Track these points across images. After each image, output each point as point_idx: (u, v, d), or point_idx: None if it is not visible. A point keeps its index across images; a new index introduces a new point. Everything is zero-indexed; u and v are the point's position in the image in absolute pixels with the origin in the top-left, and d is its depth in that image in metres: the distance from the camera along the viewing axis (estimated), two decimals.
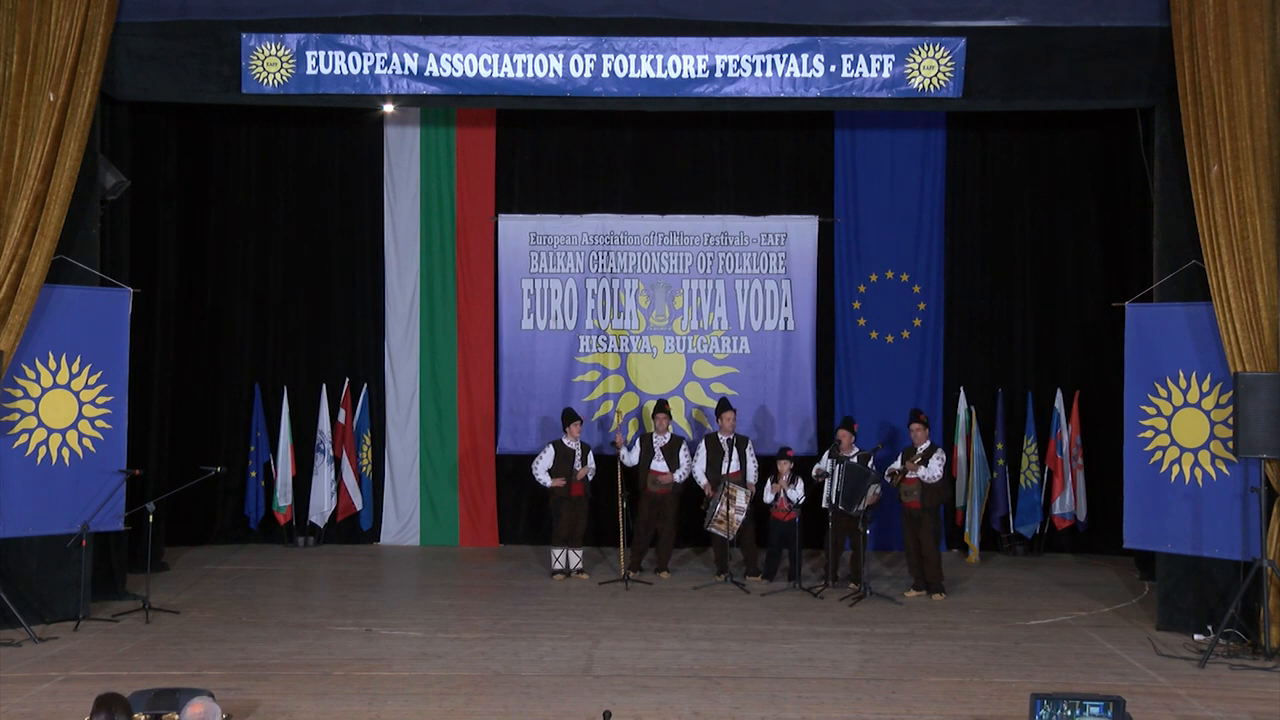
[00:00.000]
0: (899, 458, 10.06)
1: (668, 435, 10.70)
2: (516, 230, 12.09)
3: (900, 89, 9.07)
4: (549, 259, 12.01)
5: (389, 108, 11.03)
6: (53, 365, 8.69)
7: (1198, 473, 8.51)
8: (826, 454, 10.34)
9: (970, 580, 10.53)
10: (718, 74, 9.14)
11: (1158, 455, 8.68)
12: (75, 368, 8.78)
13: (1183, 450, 8.58)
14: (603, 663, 7.65)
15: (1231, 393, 8.20)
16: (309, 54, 9.11)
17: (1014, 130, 11.93)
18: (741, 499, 10.20)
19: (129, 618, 8.74)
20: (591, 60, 9.14)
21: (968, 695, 6.95)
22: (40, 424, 8.62)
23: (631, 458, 10.72)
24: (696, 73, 9.14)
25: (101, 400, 8.88)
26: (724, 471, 10.37)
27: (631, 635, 8.40)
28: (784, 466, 10.32)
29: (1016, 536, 11.77)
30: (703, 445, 10.70)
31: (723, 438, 10.55)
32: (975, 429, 11.59)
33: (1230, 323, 8.21)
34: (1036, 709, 5.77)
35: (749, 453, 10.62)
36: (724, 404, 10.77)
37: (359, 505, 11.99)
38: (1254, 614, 8.16)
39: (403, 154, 12.16)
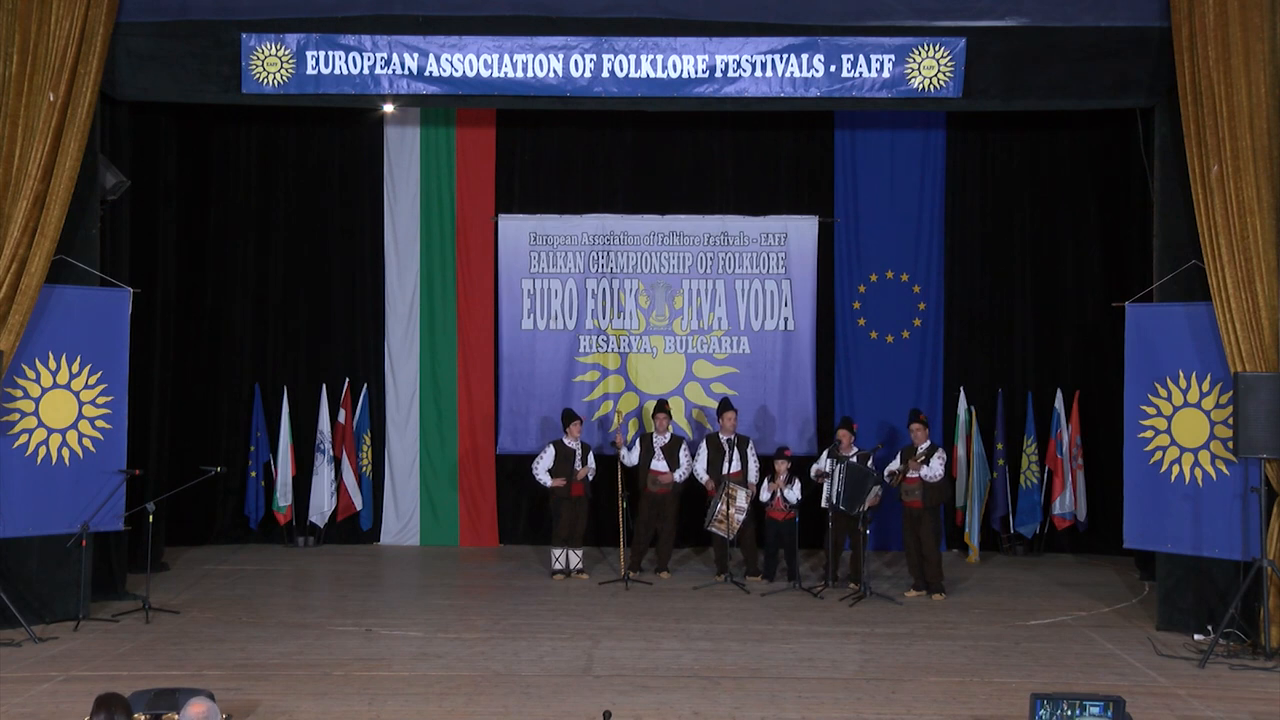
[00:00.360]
0: (898, 457, 10.06)
1: (668, 435, 10.70)
2: (516, 230, 12.09)
3: (900, 89, 9.08)
4: (549, 259, 12.02)
5: (389, 108, 11.03)
6: (53, 365, 8.69)
7: (1198, 473, 8.51)
8: (825, 453, 10.34)
9: (970, 580, 10.53)
10: (718, 74, 9.14)
11: (1158, 455, 8.68)
12: (75, 368, 8.78)
13: (1183, 450, 8.58)
14: (603, 663, 7.65)
15: (1231, 393, 8.20)
16: (309, 54, 9.11)
17: (1014, 130, 11.93)
18: (742, 499, 10.21)
19: (129, 618, 8.74)
20: (591, 60, 9.14)
21: (968, 695, 6.95)
22: (40, 424, 8.62)
23: (631, 458, 10.72)
24: (696, 73, 9.14)
25: (101, 400, 8.88)
26: (725, 471, 10.37)
27: (631, 635, 8.40)
28: (781, 466, 10.32)
29: (1016, 536, 11.77)
30: (704, 445, 10.71)
31: (724, 438, 10.55)
32: (975, 429, 11.59)
33: (1230, 323, 8.21)
34: (1036, 709, 5.77)
35: (750, 453, 10.62)
36: (725, 404, 10.78)
37: (359, 505, 11.99)
38: (1254, 614, 8.16)
39: (403, 154, 12.16)
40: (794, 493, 10.26)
